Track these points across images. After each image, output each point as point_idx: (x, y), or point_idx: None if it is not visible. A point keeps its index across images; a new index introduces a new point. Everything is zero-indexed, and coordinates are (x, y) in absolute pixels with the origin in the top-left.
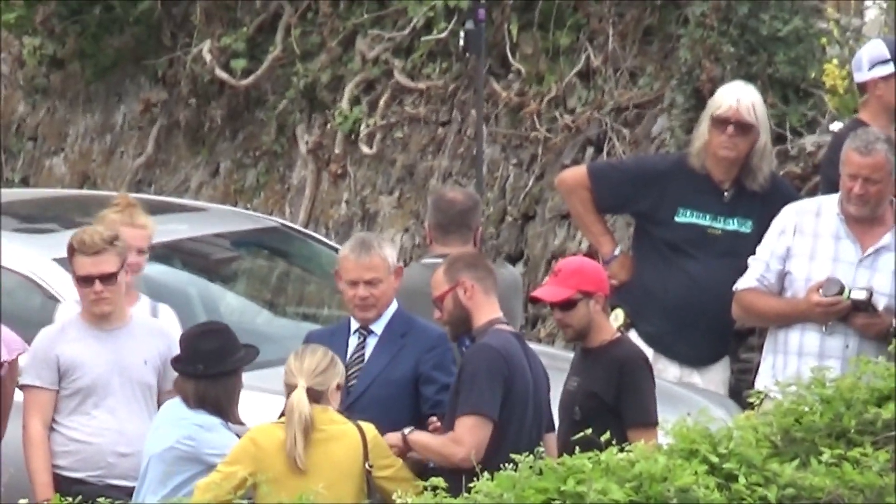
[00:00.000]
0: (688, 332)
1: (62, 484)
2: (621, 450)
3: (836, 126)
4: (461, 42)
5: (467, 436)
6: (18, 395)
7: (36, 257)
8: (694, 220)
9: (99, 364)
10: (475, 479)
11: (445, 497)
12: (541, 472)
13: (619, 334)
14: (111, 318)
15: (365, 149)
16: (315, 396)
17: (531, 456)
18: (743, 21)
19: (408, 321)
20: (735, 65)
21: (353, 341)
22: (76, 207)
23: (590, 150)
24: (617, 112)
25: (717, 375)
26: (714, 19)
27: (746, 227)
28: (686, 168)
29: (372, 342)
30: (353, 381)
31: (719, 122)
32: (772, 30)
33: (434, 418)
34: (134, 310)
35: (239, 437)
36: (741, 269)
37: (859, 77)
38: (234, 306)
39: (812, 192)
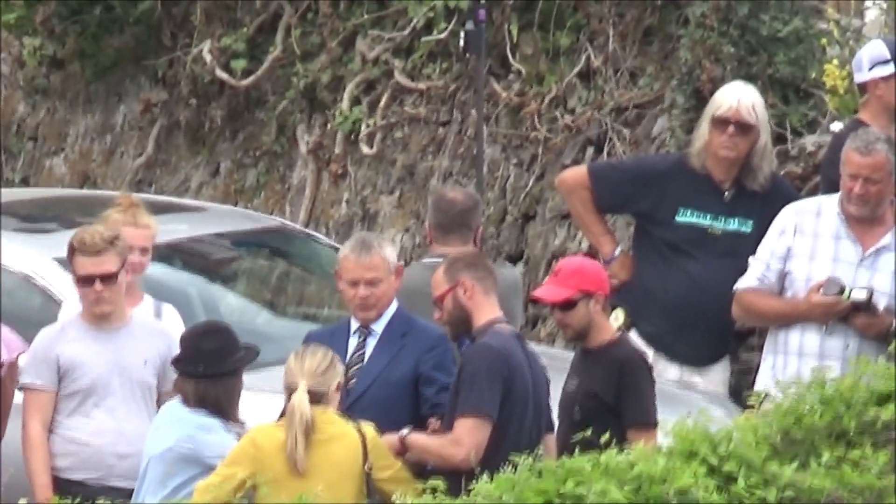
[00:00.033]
0: (688, 333)
1: (61, 485)
2: (621, 451)
3: (837, 126)
4: (461, 42)
5: (466, 436)
6: (18, 396)
7: (36, 257)
8: (694, 220)
9: (99, 364)
10: (474, 480)
11: (445, 498)
12: (540, 474)
13: (619, 334)
14: (111, 318)
15: (365, 149)
16: (316, 397)
17: (530, 457)
18: (743, 21)
19: (408, 321)
20: (735, 65)
21: (353, 341)
22: (76, 207)
23: (590, 151)
24: (617, 112)
25: (717, 376)
26: (714, 20)
27: (747, 228)
28: (686, 168)
29: (372, 342)
30: (353, 382)
31: (720, 123)
32: (772, 30)
33: (434, 419)
34: (138, 310)
35: (239, 437)
36: (741, 270)
37: (859, 77)
38: (234, 306)
39: (812, 193)
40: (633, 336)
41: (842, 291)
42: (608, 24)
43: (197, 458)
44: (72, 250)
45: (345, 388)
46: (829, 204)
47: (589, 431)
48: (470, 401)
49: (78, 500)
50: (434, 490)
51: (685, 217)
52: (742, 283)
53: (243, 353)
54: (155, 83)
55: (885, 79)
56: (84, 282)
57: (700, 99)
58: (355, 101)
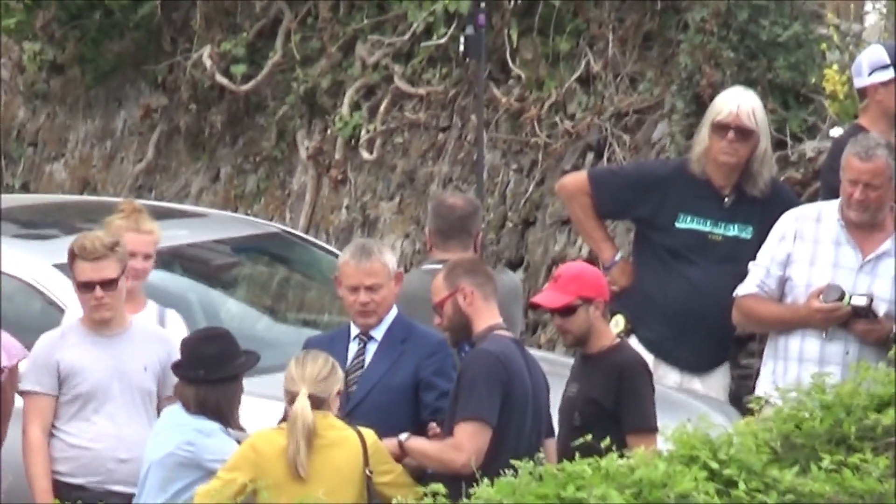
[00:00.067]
0: (688, 338)
1: (62, 490)
2: (621, 456)
3: (837, 131)
4: (461, 47)
5: (466, 442)
6: (18, 401)
7: (36, 263)
8: (694, 225)
9: (99, 370)
10: (475, 484)
11: (445, 503)
12: (540, 478)
13: (618, 340)
14: (111, 324)
15: (365, 154)
16: (316, 403)
17: (531, 462)
18: (743, 26)
19: (408, 327)
20: (735, 70)
21: (353, 347)
22: (76, 213)
23: (590, 156)
24: (617, 118)
25: (717, 381)
26: (714, 25)
27: (747, 233)
28: (686, 174)
29: (372, 348)
30: (353, 387)
31: (720, 128)
32: (772, 35)
33: (434, 424)
34: (142, 315)
35: (239, 442)
36: (741, 275)
37: (859, 82)
38: (234, 312)
39: (812, 198)
40: (634, 342)
41: (842, 297)
42: (608, 29)
43: (197, 463)
44: (72, 256)
45: (345, 393)
46: (829, 210)
47: (589, 437)
48: (469, 406)
49: None
50: (434, 494)
51: (685, 223)
52: (742, 289)
53: (244, 358)
54: (155, 88)
55: (884, 84)
56: (84, 287)
57: (700, 104)
58: (355, 107)
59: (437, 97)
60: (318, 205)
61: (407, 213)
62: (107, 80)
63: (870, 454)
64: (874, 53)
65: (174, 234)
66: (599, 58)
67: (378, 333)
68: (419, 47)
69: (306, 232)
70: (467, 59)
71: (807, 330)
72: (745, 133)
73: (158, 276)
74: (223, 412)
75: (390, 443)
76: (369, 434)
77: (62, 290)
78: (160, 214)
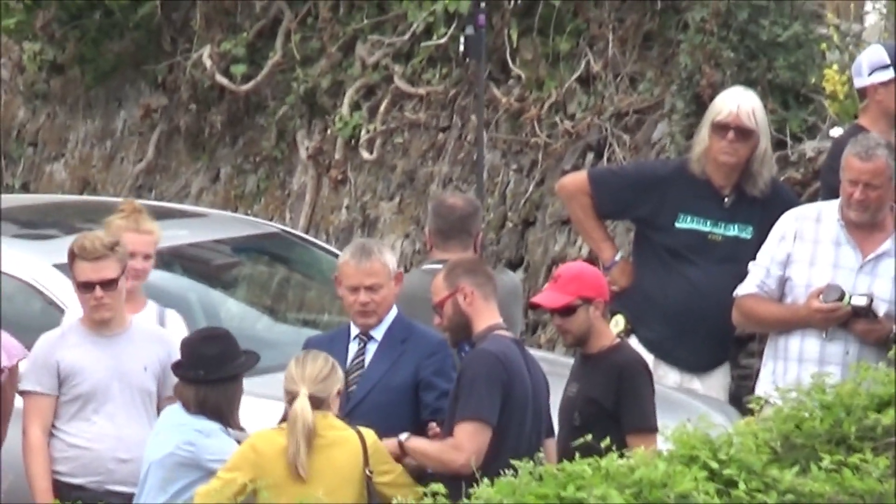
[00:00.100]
0: (688, 338)
1: (62, 490)
2: (621, 456)
3: (836, 132)
4: (461, 47)
5: (467, 442)
6: (18, 401)
7: (36, 263)
8: (694, 225)
9: (99, 370)
10: (475, 484)
11: (445, 503)
12: (540, 478)
13: (618, 340)
14: (111, 324)
15: (365, 154)
16: (316, 403)
17: (531, 462)
18: (743, 26)
19: (408, 327)
20: (735, 70)
21: (353, 347)
22: (76, 213)
23: (590, 156)
24: (617, 118)
25: (717, 381)
26: (714, 25)
27: (747, 233)
28: (686, 174)
29: (372, 348)
30: (353, 387)
31: (719, 128)
32: (772, 35)
33: (434, 424)
34: (142, 315)
35: (239, 442)
36: (741, 275)
37: (859, 82)
38: (234, 312)
39: (812, 198)
40: (634, 342)
41: (842, 297)
42: (608, 29)
43: (197, 463)
44: (72, 256)
45: (345, 393)
46: (829, 210)
47: (589, 437)
48: (469, 406)
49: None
50: (435, 494)
51: (685, 223)
52: (742, 289)
53: (243, 358)
54: (155, 88)
55: (884, 84)
56: (84, 287)
57: (700, 104)
58: (355, 107)
59: (437, 97)
60: (318, 205)
61: (407, 213)
62: (107, 80)
63: (870, 454)
64: (874, 53)
65: (174, 234)
66: (599, 58)
67: (378, 333)
68: (419, 47)
69: (306, 232)
70: (467, 59)
71: (807, 330)
72: (745, 133)
73: (158, 276)
74: (223, 412)
75: (390, 443)
76: (369, 434)
77: (62, 291)
78: (160, 214)
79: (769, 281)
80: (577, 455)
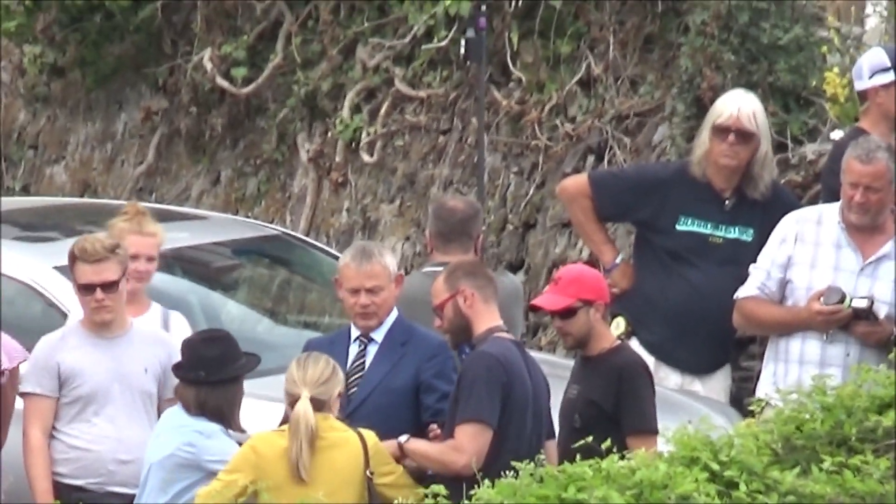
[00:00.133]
0: (689, 340)
1: (62, 491)
2: (622, 457)
3: (837, 134)
4: (462, 50)
5: (467, 443)
6: (19, 403)
7: (37, 265)
8: (695, 228)
9: (99, 372)
10: (475, 486)
11: None
12: (541, 480)
13: (618, 342)
14: (112, 326)
15: (366, 157)
16: (318, 406)
17: (532, 463)
18: (743, 29)
19: (408, 329)
20: (736, 73)
21: (354, 349)
22: (77, 215)
23: (591, 159)
24: (618, 120)
25: (718, 383)
26: (715, 28)
27: (747, 236)
28: (687, 176)
29: (372, 350)
30: (354, 389)
31: (720, 131)
32: (772, 38)
33: (434, 426)
34: (145, 318)
35: (240, 444)
36: (742, 278)
37: (860, 85)
38: (234, 314)
39: (813, 201)
40: (634, 344)
41: (842, 300)
42: (609, 31)
43: (198, 465)
44: (72, 258)
45: (345, 395)
46: (829, 212)
47: (590, 439)
48: (470, 408)
49: None
50: (435, 496)
51: (686, 225)
52: (743, 292)
53: (244, 360)
54: (155, 91)
55: (885, 87)
56: (85, 290)
57: (701, 107)
58: (356, 109)
59: (438, 100)
60: (319, 207)
61: (407, 215)
62: (107, 83)
63: (870, 456)
64: (875, 56)
65: (175, 237)
66: (600, 60)
67: (378, 336)
68: (420, 50)
69: (307, 234)
70: (468, 62)
71: (807, 332)
72: (745, 136)
73: (159, 279)
74: (224, 414)
75: (390, 444)
76: (370, 435)
77: (62, 293)
78: (161, 217)
79: (770, 283)
80: (578, 457)
